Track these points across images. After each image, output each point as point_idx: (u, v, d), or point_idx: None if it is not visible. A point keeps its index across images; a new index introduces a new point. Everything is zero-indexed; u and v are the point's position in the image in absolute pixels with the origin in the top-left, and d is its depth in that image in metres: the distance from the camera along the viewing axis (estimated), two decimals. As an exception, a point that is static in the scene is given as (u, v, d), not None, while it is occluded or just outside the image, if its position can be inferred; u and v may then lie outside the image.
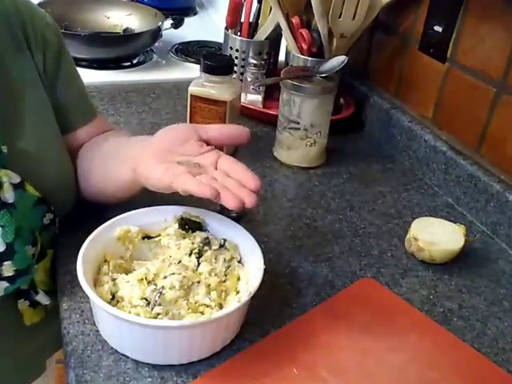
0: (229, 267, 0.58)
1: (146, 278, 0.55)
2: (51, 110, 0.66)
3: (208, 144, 0.58)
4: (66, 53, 0.69)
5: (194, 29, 1.46)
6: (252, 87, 1.01)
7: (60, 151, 0.67)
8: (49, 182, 0.62)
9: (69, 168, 0.68)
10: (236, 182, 0.53)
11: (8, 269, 0.55)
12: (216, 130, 0.60)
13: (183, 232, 0.61)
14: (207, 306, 0.53)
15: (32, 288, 0.62)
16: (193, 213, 0.62)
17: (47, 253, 0.64)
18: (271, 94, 1.03)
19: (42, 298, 0.63)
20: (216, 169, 0.55)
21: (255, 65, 1.00)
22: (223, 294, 0.56)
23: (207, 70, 0.83)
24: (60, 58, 0.67)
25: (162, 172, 0.55)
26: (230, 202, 0.50)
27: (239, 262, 0.59)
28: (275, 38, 1.06)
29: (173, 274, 0.55)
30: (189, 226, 0.61)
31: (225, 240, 0.60)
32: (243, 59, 1.05)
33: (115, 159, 0.65)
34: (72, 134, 0.70)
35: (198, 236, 0.60)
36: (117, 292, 0.54)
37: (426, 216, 0.78)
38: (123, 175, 0.61)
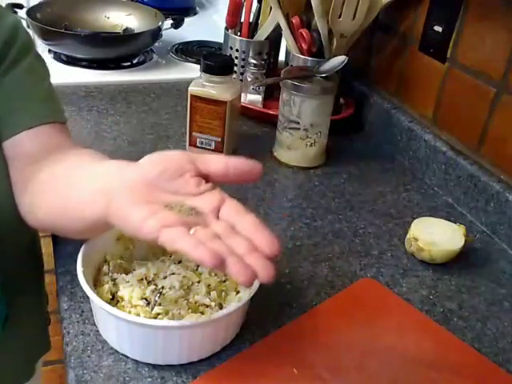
0: (229, 267, 0.58)
1: (145, 278, 0.55)
2: None
3: (207, 180, 0.45)
4: (25, 42, 0.58)
5: (194, 29, 1.45)
6: (252, 87, 1.01)
7: None
8: None
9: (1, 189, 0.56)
10: (247, 244, 0.39)
11: None
12: (220, 163, 0.45)
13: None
14: (207, 306, 0.53)
15: None
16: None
17: None
18: (271, 93, 1.03)
19: None
20: (218, 217, 0.42)
21: (255, 65, 1.00)
22: (223, 293, 0.56)
23: (207, 70, 0.83)
24: (12, 43, 0.56)
25: (143, 217, 0.40)
26: (239, 276, 0.37)
27: (239, 261, 0.59)
28: (275, 37, 1.06)
29: (173, 273, 0.55)
30: (189, 225, 0.61)
31: (225, 240, 0.60)
32: (243, 59, 1.05)
33: (79, 186, 0.49)
34: (13, 140, 0.56)
35: (198, 236, 0.60)
36: (117, 292, 0.54)
37: (426, 216, 0.78)
38: (90, 211, 0.46)
